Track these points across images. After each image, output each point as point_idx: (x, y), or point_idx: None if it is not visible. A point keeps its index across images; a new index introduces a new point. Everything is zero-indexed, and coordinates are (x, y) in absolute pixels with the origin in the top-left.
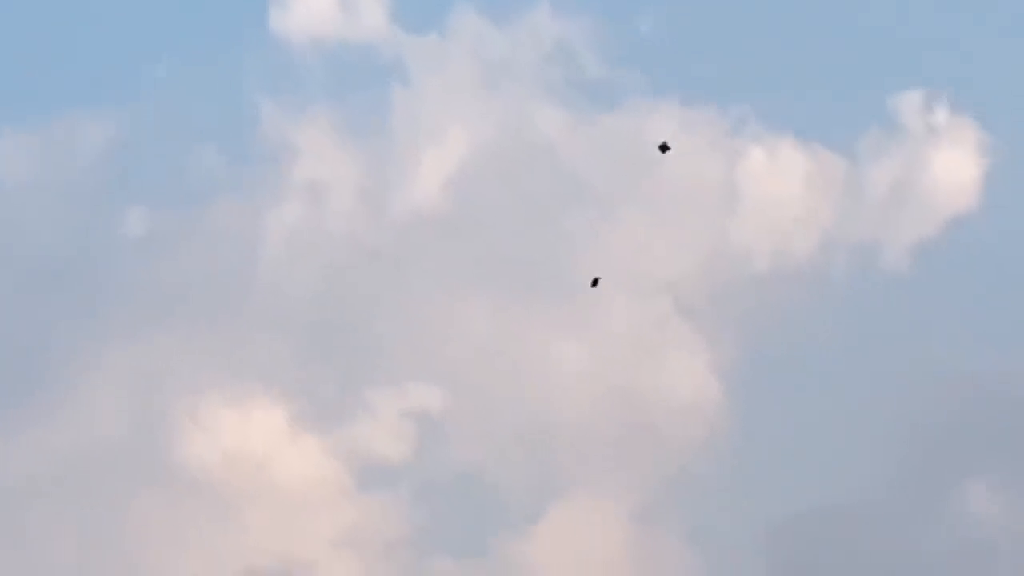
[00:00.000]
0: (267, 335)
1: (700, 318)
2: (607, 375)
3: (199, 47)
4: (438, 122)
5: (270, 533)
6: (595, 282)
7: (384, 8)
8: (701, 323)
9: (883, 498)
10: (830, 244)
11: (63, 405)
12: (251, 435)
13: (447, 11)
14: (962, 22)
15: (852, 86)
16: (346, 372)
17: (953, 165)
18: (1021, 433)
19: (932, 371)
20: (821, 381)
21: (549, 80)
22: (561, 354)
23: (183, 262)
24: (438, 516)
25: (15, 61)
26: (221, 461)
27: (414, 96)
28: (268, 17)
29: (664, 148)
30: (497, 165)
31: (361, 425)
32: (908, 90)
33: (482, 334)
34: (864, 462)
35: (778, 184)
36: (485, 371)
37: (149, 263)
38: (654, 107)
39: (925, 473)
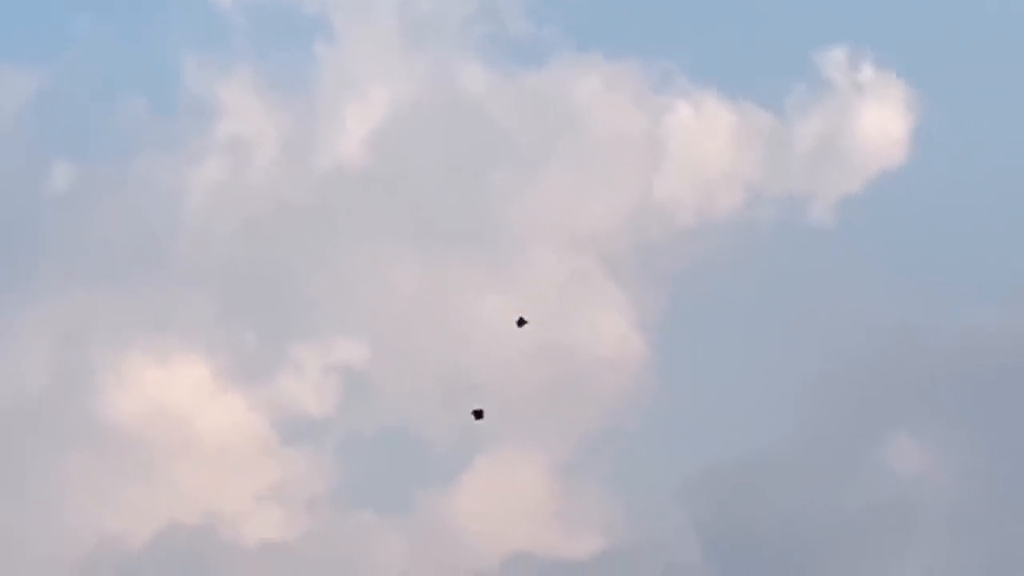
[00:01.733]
0: (191, 290)
1: (625, 273)
2: (532, 329)
3: (123, 2)
4: (362, 79)
5: (194, 488)
6: (521, 322)
7: None
8: (626, 278)
9: (805, 450)
10: (756, 199)
11: None
12: (174, 390)
13: None
14: None
15: (777, 42)
16: (270, 327)
17: (879, 121)
18: (944, 388)
19: (857, 325)
20: (745, 335)
21: (473, 37)
22: (486, 309)
23: (107, 217)
24: (362, 470)
25: None
26: (145, 416)
27: (338, 53)
28: None
29: (521, 322)
30: (421, 122)
31: (285, 380)
32: (833, 46)
33: (406, 289)
34: (787, 415)
35: (704, 139)
36: (409, 326)
37: (73, 217)
38: (579, 63)
39: (847, 427)
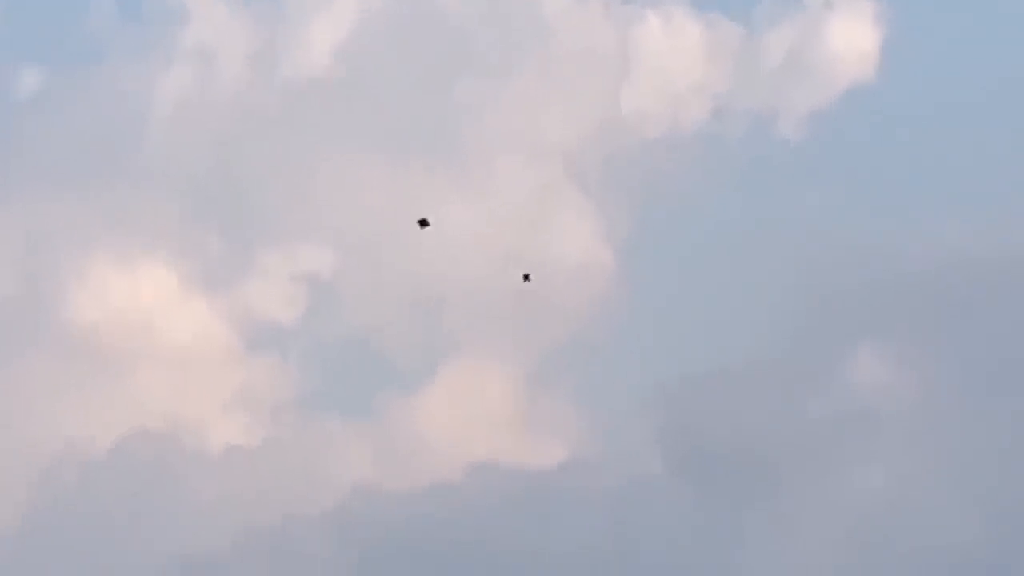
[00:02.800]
0: (157, 196)
1: (592, 184)
2: (498, 240)
3: None
4: None
5: (159, 394)
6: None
7: None
8: (593, 189)
9: (771, 363)
10: (725, 112)
11: None
12: (140, 296)
13: None
14: None
15: None
16: (236, 234)
17: (849, 35)
18: (910, 302)
19: (823, 238)
20: (712, 248)
21: None
22: (453, 218)
23: (75, 122)
24: (327, 378)
25: None
26: (110, 322)
27: None
28: None
29: (423, 223)
30: (388, 31)
31: (251, 287)
32: None
33: (373, 198)
34: (753, 328)
35: (673, 51)
36: (376, 235)
37: (41, 122)
38: None
39: (814, 339)
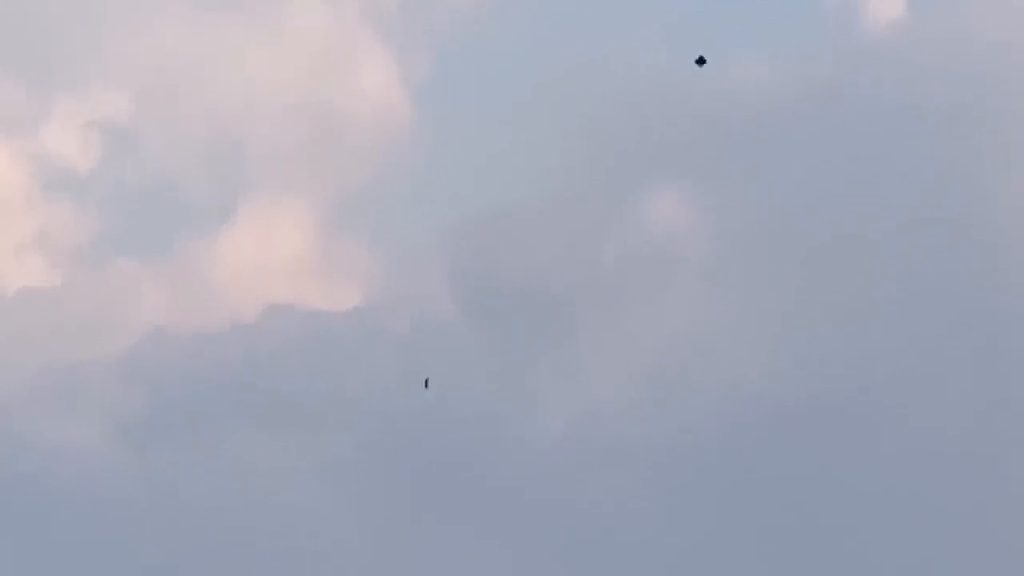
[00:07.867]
0: None
1: (390, 27)
2: (297, 85)
3: None
4: None
5: None
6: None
7: None
8: (391, 32)
9: (565, 204)
10: None
11: None
12: None
13: None
14: None
15: None
16: (33, 80)
17: None
18: (705, 142)
19: (619, 80)
20: (507, 90)
21: None
22: (248, 62)
23: None
24: (125, 222)
25: None
26: None
27: None
28: None
29: (701, 61)
30: None
31: (48, 132)
32: None
33: (172, 42)
34: (547, 170)
35: None
36: (174, 80)
37: None
38: None
39: (608, 180)
